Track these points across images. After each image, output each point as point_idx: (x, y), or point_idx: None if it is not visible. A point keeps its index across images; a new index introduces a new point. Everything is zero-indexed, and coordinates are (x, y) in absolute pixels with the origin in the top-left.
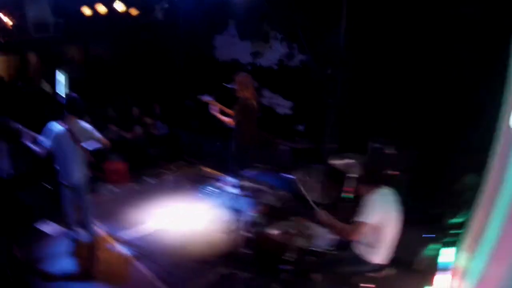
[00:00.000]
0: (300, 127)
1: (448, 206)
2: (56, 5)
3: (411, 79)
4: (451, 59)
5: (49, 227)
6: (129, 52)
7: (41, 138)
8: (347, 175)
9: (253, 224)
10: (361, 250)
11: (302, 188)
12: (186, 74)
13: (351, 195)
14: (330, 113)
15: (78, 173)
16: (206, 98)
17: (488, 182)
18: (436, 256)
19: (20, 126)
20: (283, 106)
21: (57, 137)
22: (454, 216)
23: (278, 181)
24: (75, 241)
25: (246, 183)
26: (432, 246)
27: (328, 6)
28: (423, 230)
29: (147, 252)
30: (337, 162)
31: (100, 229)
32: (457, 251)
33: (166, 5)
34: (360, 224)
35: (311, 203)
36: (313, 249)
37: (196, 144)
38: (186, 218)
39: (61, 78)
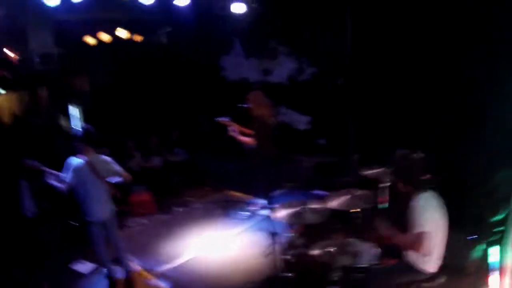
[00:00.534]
0: (321, 141)
1: (486, 204)
2: (59, 36)
3: (425, 80)
4: (461, 60)
5: (83, 266)
6: (137, 79)
7: (62, 174)
8: (380, 185)
9: (291, 245)
10: (412, 259)
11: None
12: (197, 97)
13: (386, 205)
14: (349, 123)
15: (102, 207)
16: (223, 120)
17: None
18: (484, 257)
19: (41, 165)
20: (301, 121)
21: (77, 172)
22: (494, 214)
23: (309, 198)
24: (111, 278)
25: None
26: (479, 247)
27: (332, 16)
28: (466, 232)
29: (185, 283)
30: (368, 172)
31: (134, 264)
32: (503, 249)
33: (169, 29)
34: (421, 234)
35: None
36: (359, 265)
37: (218, 167)
38: (220, 245)
39: (74, 111)
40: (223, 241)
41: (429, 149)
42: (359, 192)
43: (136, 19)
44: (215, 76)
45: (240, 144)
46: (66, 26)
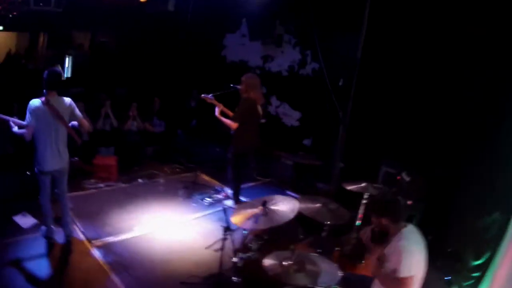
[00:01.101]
0: (307, 141)
1: (470, 244)
2: None
3: (424, 101)
4: (470, 79)
5: (24, 220)
6: (135, 41)
7: (26, 120)
8: (363, 201)
9: (244, 247)
10: None
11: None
12: (191, 72)
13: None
14: (340, 128)
15: (56, 156)
16: (206, 96)
17: None
18: None
19: (6, 117)
20: (290, 116)
21: (37, 112)
22: (475, 256)
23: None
24: (49, 239)
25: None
26: None
27: (349, 15)
28: (441, 270)
29: (126, 262)
30: (351, 187)
31: (78, 230)
32: None
33: None
34: (407, 279)
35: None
36: (314, 287)
37: (195, 147)
38: (174, 228)
39: (68, 63)
40: (177, 224)
41: (418, 170)
42: (333, 205)
43: None
44: (215, 54)
45: (222, 126)
46: None
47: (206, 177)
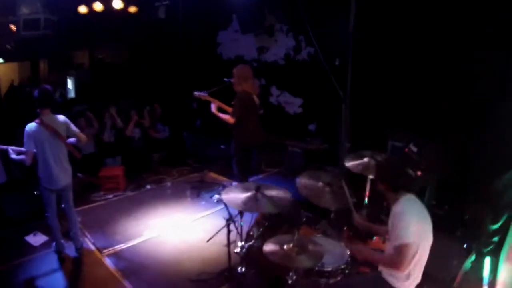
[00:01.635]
0: (312, 126)
1: (486, 209)
2: (52, 4)
3: (427, 66)
4: (466, 44)
5: (35, 238)
6: (131, 52)
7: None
8: (369, 177)
9: (248, 237)
10: (388, 272)
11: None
12: (189, 73)
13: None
14: (342, 108)
15: (58, 173)
16: (200, 94)
17: None
18: (475, 269)
19: (3, 146)
20: (292, 104)
21: (34, 135)
22: (493, 221)
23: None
24: (60, 253)
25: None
26: (471, 258)
27: None
28: (458, 240)
29: (136, 267)
30: (353, 163)
31: (87, 241)
32: (496, 262)
33: (167, 1)
34: (403, 247)
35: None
36: (321, 269)
37: (200, 147)
38: (183, 228)
39: (71, 83)
40: (186, 225)
41: (427, 140)
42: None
43: None
44: (211, 53)
45: (221, 122)
46: None
47: (213, 175)
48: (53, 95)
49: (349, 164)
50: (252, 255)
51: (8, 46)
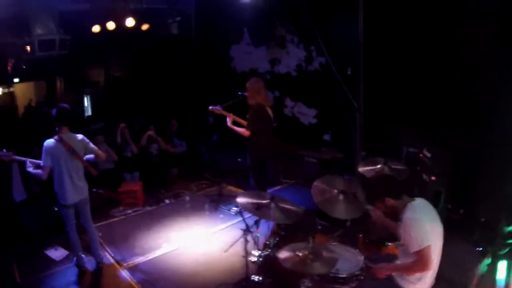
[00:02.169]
0: (327, 136)
1: (500, 211)
2: (66, 24)
3: (438, 73)
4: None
5: (55, 253)
6: (146, 68)
7: (40, 161)
8: None
9: (265, 246)
10: (402, 277)
11: None
12: (205, 88)
13: None
14: (356, 117)
15: (76, 189)
16: (214, 108)
17: None
18: (490, 272)
19: (22, 158)
20: (306, 114)
21: (52, 151)
22: (508, 223)
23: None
24: (80, 267)
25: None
26: (486, 261)
27: (343, 2)
28: (474, 243)
29: (155, 279)
30: (366, 168)
31: (106, 255)
32: None
33: (178, 18)
34: (425, 251)
35: None
36: (336, 275)
37: (219, 160)
38: (201, 241)
39: (87, 101)
40: (204, 237)
41: (440, 145)
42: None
43: (144, 9)
44: (225, 67)
45: (237, 136)
46: (73, 15)
47: (232, 188)
48: (71, 114)
49: (363, 169)
50: (268, 264)
51: (23, 66)
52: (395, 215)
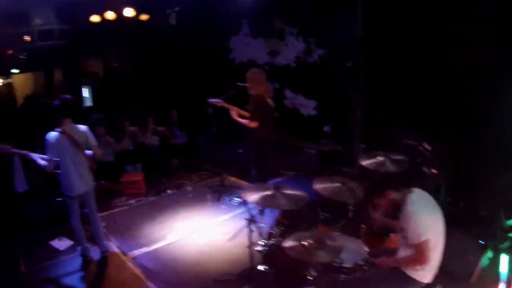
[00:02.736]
0: (327, 128)
1: (501, 204)
2: (64, 14)
3: (438, 65)
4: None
5: (60, 243)
6: (145, 59)
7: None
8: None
9: (269, 235)
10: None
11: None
12: (203, 79)
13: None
14: (356, 109)
15: (79, 180)
16: (215, 101)
17: None
18: (492, 265)
19: (22, 151)
20: (306, 106)
21: (55, 144)
22: (509, 216)
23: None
24: (85, 257)
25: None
26: (488, 254)
27: None
28: (475, 235)
29: (160, 269)
30: (367, 162)
31: (112, 245)
32: None
33: (177, 9)
34: (423, 244)
35: None
36: (340, 264)
37: (219, 152)
38: (205, 231)
39: (85, 92)
40: (207, 227)
41: (439, 138)
42: (352, 183)
43: None
44: (224, 58)
45: (243, 127)
46: (72, 5)
47: (233, 179)
48: (74, 105)
49: (364, 163)
50: (273, 253)
51: (22, 57)
52: (396, 210)
